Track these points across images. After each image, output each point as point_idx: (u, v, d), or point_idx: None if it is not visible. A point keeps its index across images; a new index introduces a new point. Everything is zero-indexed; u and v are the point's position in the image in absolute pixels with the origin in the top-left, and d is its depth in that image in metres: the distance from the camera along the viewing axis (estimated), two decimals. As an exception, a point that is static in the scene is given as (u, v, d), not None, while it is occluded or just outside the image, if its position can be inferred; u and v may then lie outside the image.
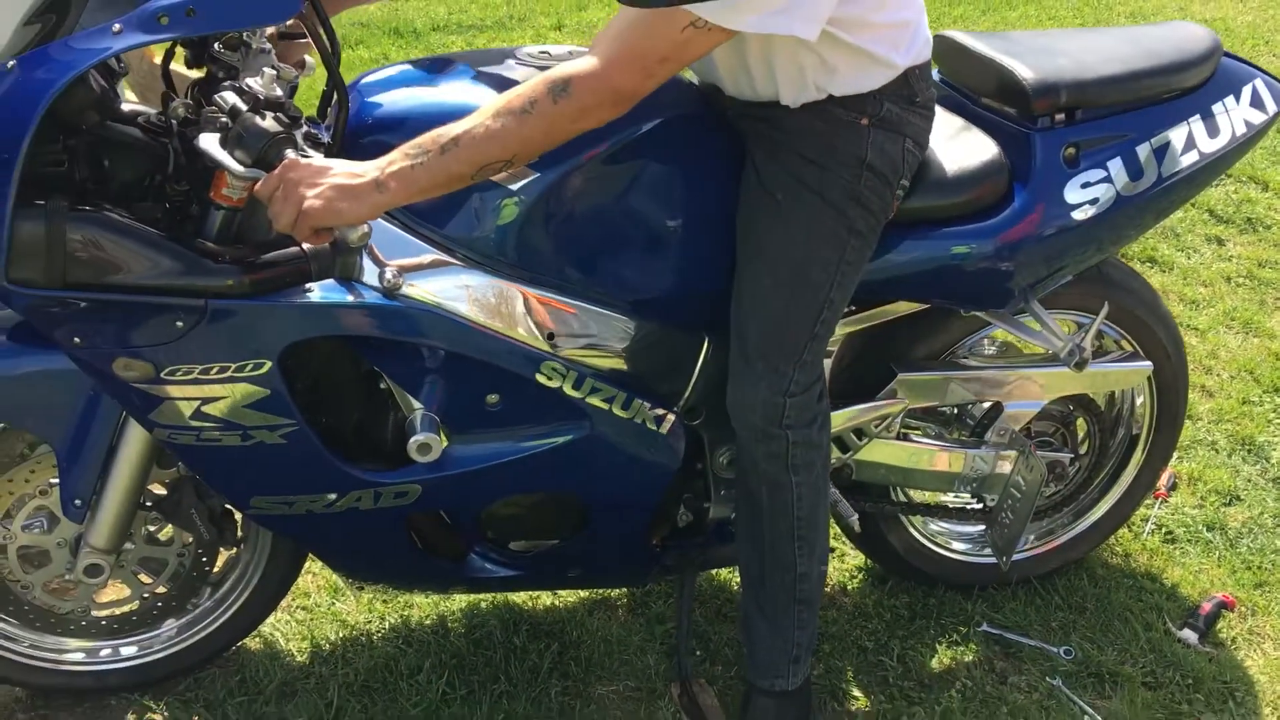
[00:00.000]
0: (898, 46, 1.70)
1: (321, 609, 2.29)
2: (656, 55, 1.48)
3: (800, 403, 1.80)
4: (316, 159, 1.53)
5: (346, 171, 1.50)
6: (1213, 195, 4.14)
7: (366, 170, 1.50)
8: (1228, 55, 2.06)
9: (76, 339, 1.60)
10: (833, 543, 2.48)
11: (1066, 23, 6.02)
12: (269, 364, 1.65)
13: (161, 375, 1.63)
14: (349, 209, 1.48)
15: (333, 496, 1.79)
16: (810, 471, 1.84)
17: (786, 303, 1.76)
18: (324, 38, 1.65)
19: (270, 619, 2.18)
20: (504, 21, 5.88)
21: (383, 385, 1.83)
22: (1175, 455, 2.81)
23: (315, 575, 2.35)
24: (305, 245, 1.63)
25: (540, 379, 1.77)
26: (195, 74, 1.80)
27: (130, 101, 1.74)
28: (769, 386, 1.78)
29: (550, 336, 1.78)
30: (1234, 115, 2.02)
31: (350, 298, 1.66)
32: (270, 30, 1.81)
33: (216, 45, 1.74)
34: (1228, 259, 3.79)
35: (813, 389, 1.81)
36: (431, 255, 1.73)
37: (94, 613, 2.02)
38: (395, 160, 1.50)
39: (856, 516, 2.10)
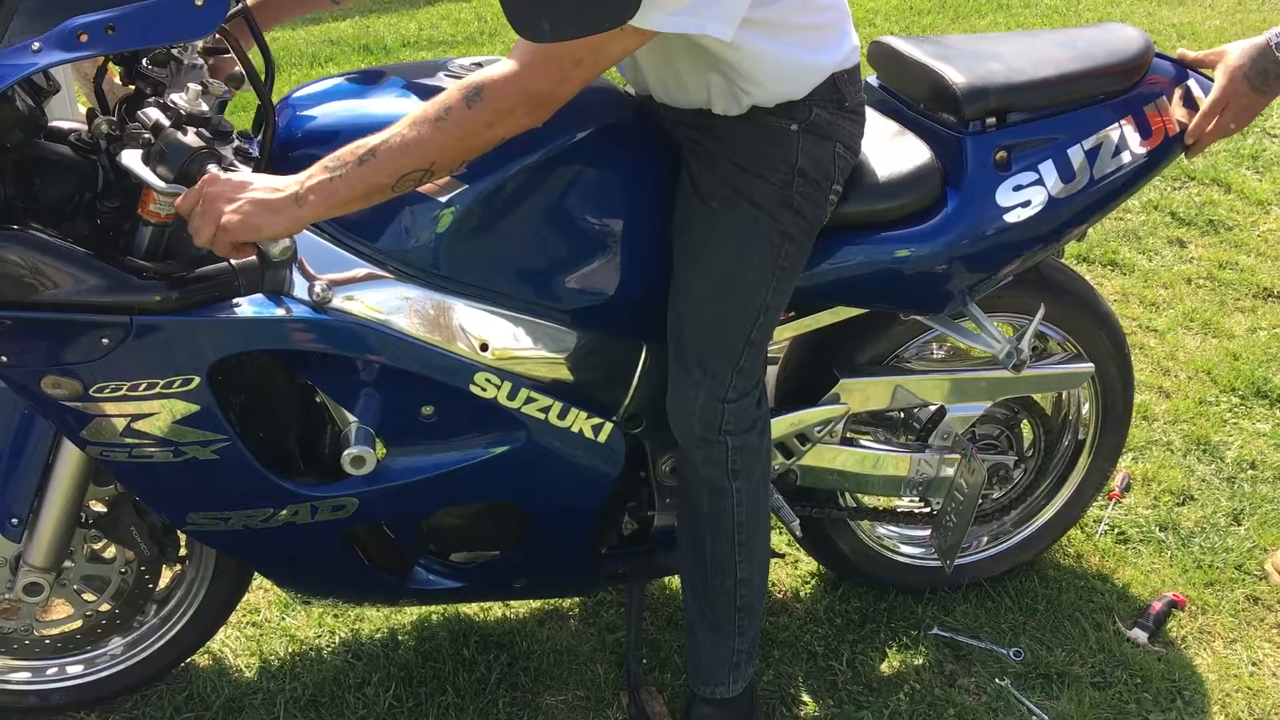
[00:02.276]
0: (822, 48, 1.71)
1: (271, 624, 2.28)
2: (571, 58, 1.47)
3: (739, 408, 1.80)
4: (238, 174, 1.53)
5: (266, 186, 1.50)
6: (1175, 197, 4.17)
7: (286, 185, 1.50)
8: (1160, 56, 2.07)
9: (3, 357, 1.60)
10: (785, 549, 2.48)
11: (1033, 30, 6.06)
12: (198, 380, 1.65)
13: (90, 393, 1.63)
14: (267, 223, 1.48)
15: (269, 511, 1.79)
16: (750, 477, 1.84)
17: (722, 309, 1.77)
18: (248, 55, 1.65)
19: (219, 635, 2.18)
20: (474, 36, 5.90)
21: (318, 399, 1.83)
22: (1129, 456, 2.83)
23: (266, 591, 2.34)
24: (232, 260, 1.63)
25: (474, 389, 1.78)
26: (126, 91, 1.81)
27: (67, 120, 1.75)
28: (707, 393, 1.79)
29: (484, 347, 1.78)
30: (1166, 116, 2.03)
31: (279, 312, 1.66)
32: (200, 46, 1.81)
33: (144, 61, 1.74)
34: (1188, 261, 3.81)
35: (751, 394, 1.82)
36: (363, 269, 1.73)
37: (38, 631, 2.02)
38: (314, 174, 1.51)
39: (798, 521, 2.10)
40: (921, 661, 2.27)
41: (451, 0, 6.40)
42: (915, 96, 2.06)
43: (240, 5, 1.69)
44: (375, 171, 1.50)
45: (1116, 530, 2.61)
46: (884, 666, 2.25)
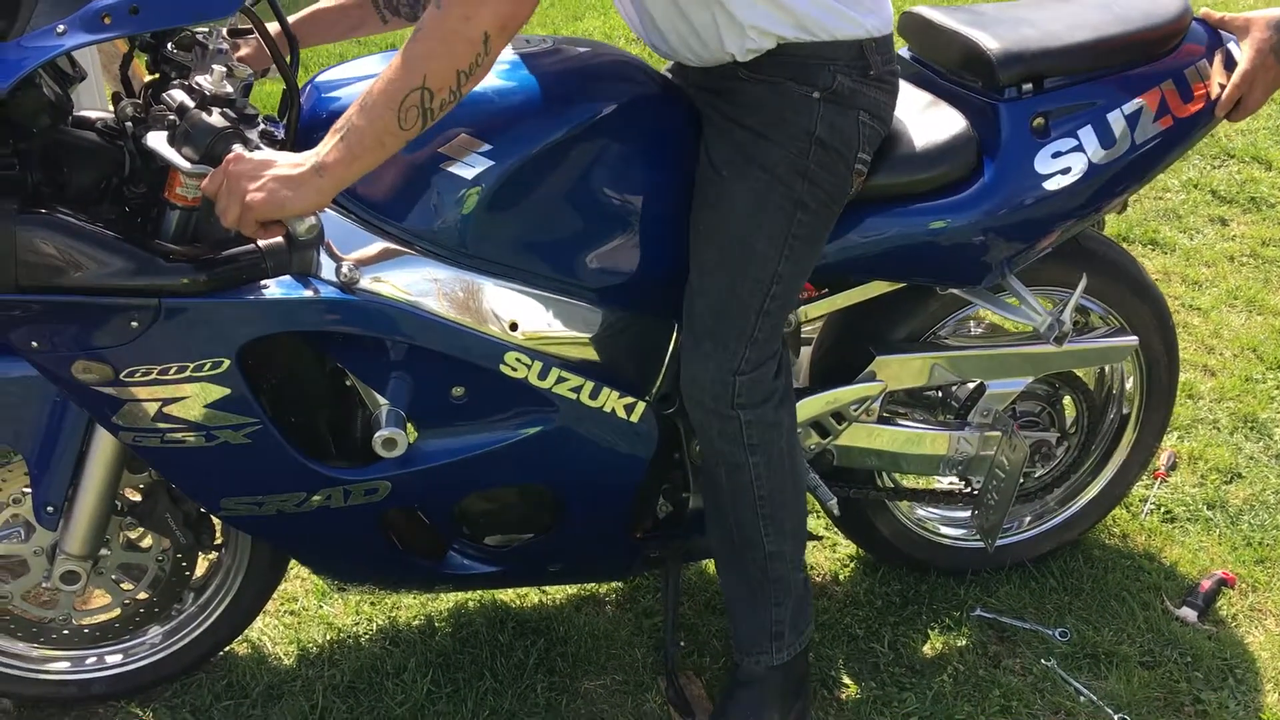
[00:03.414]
0: (850, 3, 1.69)
1: (309, 612, 2.28)
2: None
3: (752, 380, 1.77)
4: (261, 153, 1.52)
5: (288, 163, 1.49)
6: (1215, 175, 4.09)
7: (306, 159, 1.50)
8: (1197, 19, 2.02)
9: (34, 343, 1.60)
10: (823, 531, 2.45)
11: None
12: (228, 362, 1.64)
13: (121, 377, 1.62)
14: (293, 198, 1.47)
15: (302, 495, 1.78)
16: (769, 450, 1.81)
17: (732, 278, 1.74)
18: (272, 37, 1.64)
19: (257, 623, 2.17)
20: (501, 31, 5.89)
21: (349, 382, 1.82)
22: (1175, 434, 2.77)
23: (303, 579, 2.34)
24: (260, 242, 1.63)
25: (504, 370, 1.76)
26: (152, 77, 1.81)
27: (95, 109, 1.75)
28: (717, 365, 1.76)
29: (514, 327, 1.76)
30: (1208, 79, 1.98)
31: (307, 293, 1.65)
32: (225, 30, 1.80)
33: (170, 46, 1.73)
34: (1231, 239, 3.73)
35: (765, 366, 1.79)
36: (391, 248, 1.71)
37: (76, 621, 2.02)
38: (327, 140, 1.50)
39: (835, 501, 2.07)
40: (965, 643, 2.23)
41: None
42: (948, 65, 2.03)
43: (263, -13, 1.68)
44: (377, 111, 1.47)
45: (1163, 509, 2.56)
46: (926, 648, 2.22)
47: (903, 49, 2.14)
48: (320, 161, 1.49)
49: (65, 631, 2.02)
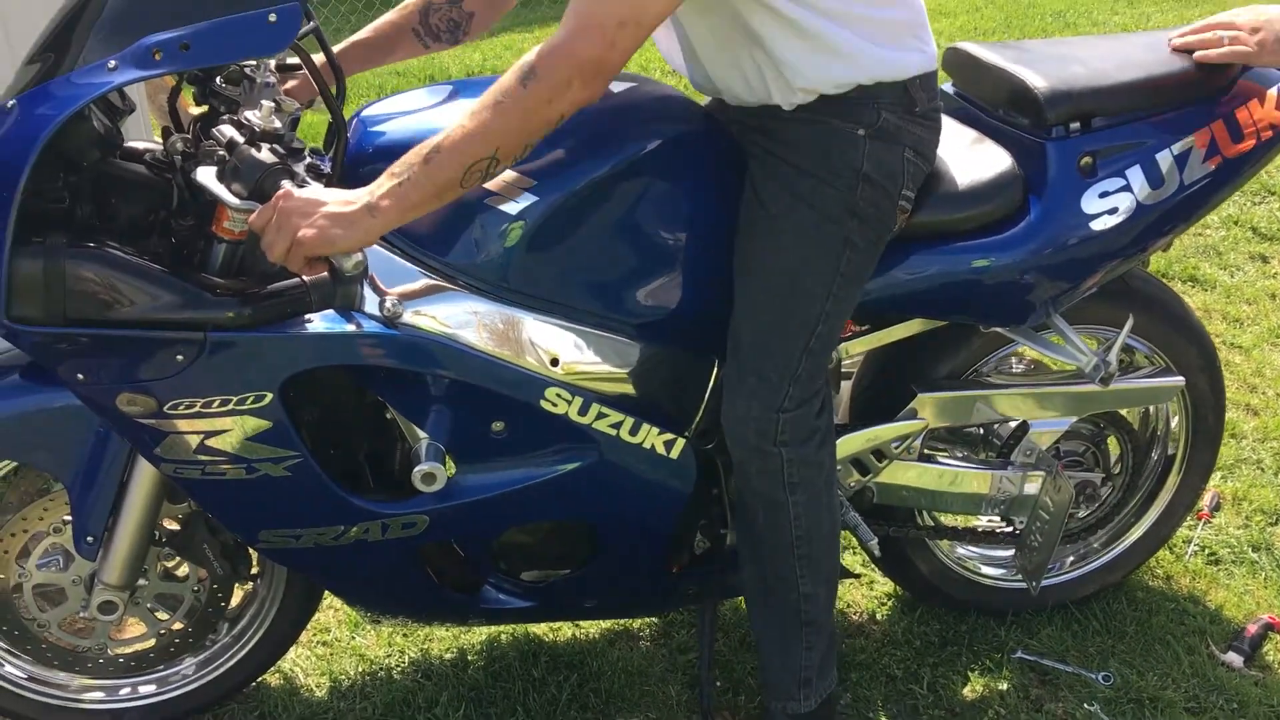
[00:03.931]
0: (891, 44, 1.68)
1: (341, 644, 2.27)
2: (614, 20, 1.45)
3: (795, 419, 1.76)
4: (312, 189, 1.52)
5: (340, 200, 1.49)
6: (1256, 213, 4.05)
7: (358, 197, 1.50)
8: (1248, 58, 2.00)
9: (80, 375, 1.60)
10: (860, 569, 2.42)
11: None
12: (270, 396, 1.64)
13: (165, 409, 1.63)
14: (343, 236, 1.47)
15: (340, 528, 1.78)
16: (810, 489, 1.80)
17: (779, 316, 1.73)
18: (320, 71, 1.64)
19: (290, 654, 2.17)
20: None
21: (389, 415, 1.82)
22: (1218, 474, 2.73)
23: (335, 610, 2.33)
24: (305, 276, 1.63)
25: (545, 405, 1.75)
26: (200, 110, 1.82)
27: (141, 140, 1.76)
28: (761, 402, 1.75)
29: (554, 362, 1.76)
30: (1258, 119, 1.96)
31: (350, 327, 1.65)
32: (273, 63, 1.81)
33: (218, 80, 1.75)
34: (1272, 276, 3.69)
35: (809, 404, 1.77)
36: (433, 283, 1.71)
37: (111, 650, 2.02)
38: (383, 183, 1.50)
39: (876, 540, 2.04)
40: (1006, 686, 2.19)
41: (514, 31, 6.44)
42: (994, 102, 2.01)
43: (312, 23, 1.69)
44: (442, 168, 1.48)
45: (1207, 551, 2.52)
46: (966, 691, 2.18)
47: (946, 84, 2.13)
48: (373, 203, 1.49)
49: (100, 661, 2.01)
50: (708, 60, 1.75)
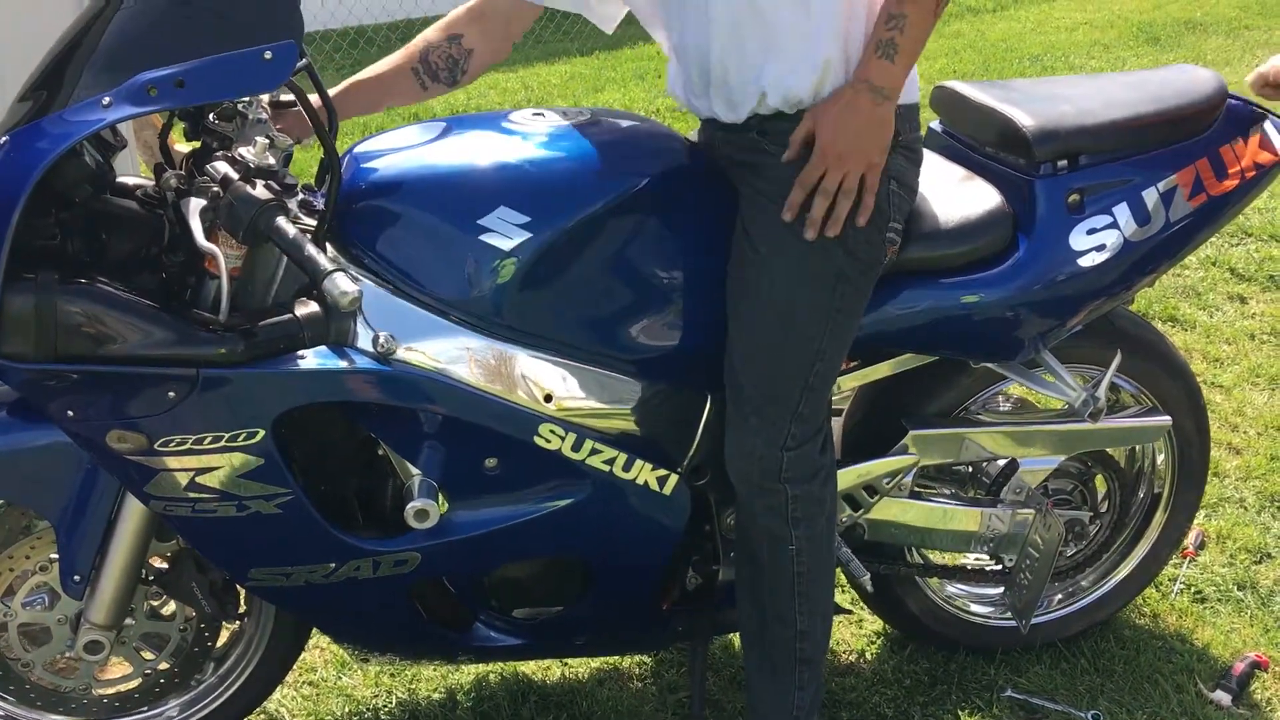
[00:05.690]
0: None
1: (328, 684, 2.25)
2: None
3: (798, 456, 1.76)
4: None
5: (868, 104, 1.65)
6: (1234, 254, 4.10)
7: (855, 95, 1.65)
8: (1233, 98, 2.03)
9: (70, 411, 1.59)
10: (850, 606, 2.42)
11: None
12: (262, 432, 1.63)
13: (155, 446, 1.61)
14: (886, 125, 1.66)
15: (331, 566, 1.76)
16: (812, 526, 1.80)
17: (778, 354, 1.73)
18: (314, 108, 1.65)
19: (276, 695, 2.14)
20: (520, 106, 5.94)
21: (381, 452, 1.81)
22: (1203, 513, 2.74)
23: (322, 650, 2.31)
24: (298, 311, 1.63)
25: (539, 441, 1.75)
26: (190, 146, 1.81)
27: (130, 176, 1.76)
28: (765, 440, 1.75)
29: (548, 398, 1.75)
30: (1242, 158, 1.99)
31: (343, 364, 1.64)
32: (265, 100, 1.82)
33: (211, 116, 1.75)
34: (1250, 316, 3.73)
35: (812, 442, 1.78)
36: (426, 318, 1.71)
37: (96, 691, 1.99)
38: (868, 57, 1.66)
39: (868, 576, 2.04)
40: (996, 724, 2.19)
41: (499, 71, 6.48)
42: (982, 140, 2.04)
43: (304, 60, 1.69)
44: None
45: (1193, 589, 2.53)
46: (957, 729, 2.18)
47: (934, 122, 2.16)
48: (877, 84, 1.65)
49: (85, 701, 1.98)
50: (718, 50, 1.74)
